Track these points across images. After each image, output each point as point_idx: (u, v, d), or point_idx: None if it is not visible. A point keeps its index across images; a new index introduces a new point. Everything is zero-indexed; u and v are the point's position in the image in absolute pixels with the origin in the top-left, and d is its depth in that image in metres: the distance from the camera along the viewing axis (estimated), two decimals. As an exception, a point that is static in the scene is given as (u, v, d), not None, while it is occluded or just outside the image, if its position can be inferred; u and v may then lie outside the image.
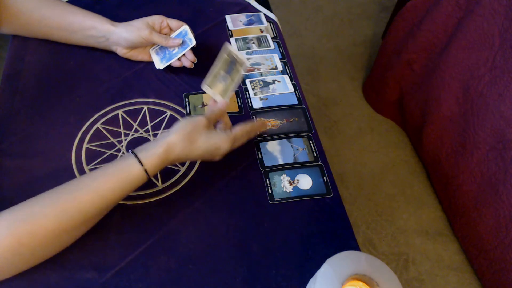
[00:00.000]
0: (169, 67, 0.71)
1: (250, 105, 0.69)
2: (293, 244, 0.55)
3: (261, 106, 0.69)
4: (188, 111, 0.67)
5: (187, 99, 0.69)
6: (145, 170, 0.49)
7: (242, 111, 0.69)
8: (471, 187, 1.10)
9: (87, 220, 0.48)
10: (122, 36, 0.67)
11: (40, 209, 0.45)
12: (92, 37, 0.69)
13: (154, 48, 0.72)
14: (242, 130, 0.56)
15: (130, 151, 0.50)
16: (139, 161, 0.49)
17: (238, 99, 0.70)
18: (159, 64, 0.71)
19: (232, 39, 0.79)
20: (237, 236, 0.55)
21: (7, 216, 0.43)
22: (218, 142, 0.53)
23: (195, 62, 0.70)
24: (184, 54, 0.69)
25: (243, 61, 0.57)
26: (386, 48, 1.38)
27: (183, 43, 0.68)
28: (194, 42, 0.68)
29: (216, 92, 0.57)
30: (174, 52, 0.69)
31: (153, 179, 0.59)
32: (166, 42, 0.68)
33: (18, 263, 0.45)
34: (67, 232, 0.46)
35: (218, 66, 0.57)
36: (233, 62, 0.57)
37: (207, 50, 0.77)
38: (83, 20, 0.68)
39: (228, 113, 0.67)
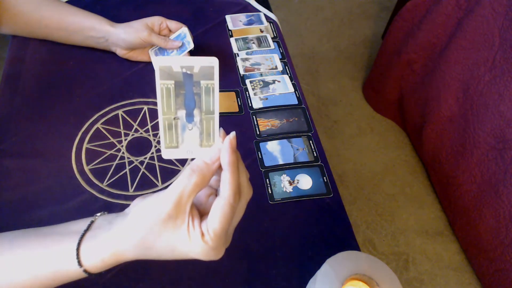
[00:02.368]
0: None
1: (250, 105, 0.69)
2: (293, 244, 0.55)
3: (261, 106, 0.69)
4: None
5: (187, 99, 0.69)
6: (85, 271, 0.36)
7: (242, 111, 0.69)
8: (471, 187, 1.10)
9: None
10: (120, 37, 0.67)
11: None
12: (92, 37, 0.69)
13: (153, 49, 0.72)
14: (223, 222, 0.35)
15: (79, 239, 0.36)
16: (79, 262, 0.36)
17: (238, 99, 0.70)
18: None
19: (232, 39, 0.79)
20: (237, 236, 0.55)
21: None
22: (184, 249, 0.35)
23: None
24: None
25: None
26: (386, 48, 1.38)
27: (181, 46, 0.69)
28: (192, 46, 0.68)
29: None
30: (172, 54, 0.69)
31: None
32: (166, 44, 0.68)
33: None
34: None
35: None
36: None
37: (207, 50, 0.77)
38: (82, 21, 0.68)
39: (228, 113, 0.68)
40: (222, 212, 0.34)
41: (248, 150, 0.63)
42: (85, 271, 0.36)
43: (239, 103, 0.70)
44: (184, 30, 0.69)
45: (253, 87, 0.72)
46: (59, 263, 0.36)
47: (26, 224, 0.48)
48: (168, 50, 0.70)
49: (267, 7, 0.88)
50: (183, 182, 0.33)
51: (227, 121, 0.67)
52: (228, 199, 0.34)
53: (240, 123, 0.67)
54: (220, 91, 0.71)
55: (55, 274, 0.37)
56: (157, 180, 0.59)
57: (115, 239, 0.36)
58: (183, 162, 0.61)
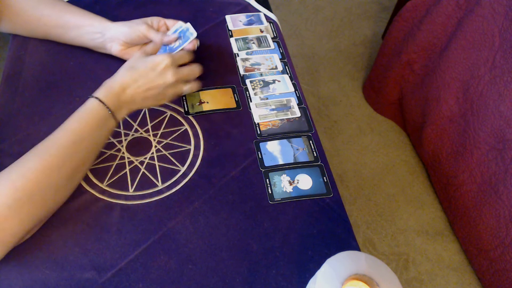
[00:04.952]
0: None
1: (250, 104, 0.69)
2: (293, 244, 0.55)
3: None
4: (186, 109, 0.67)
5: (184, 97, 0.69)
6: (97, 98, 0.55)
7: (240, 107, 0.69)
8: (471, 187, 1.10)
9: (67, 156, 0.51)
10: (120, 29, 0.67)
11: (25, 157, 0.50)
12: (87, 33, 0.68)
13: None
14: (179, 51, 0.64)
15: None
16: (92, 96, 0.56)
17: (235, 95, 0.70)
18: None
19: (232, 39, 0.79)
20: (237, 236, 0.55)
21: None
22: (155, 57, 0.59)
23: (198, 45, 0.68)
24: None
25: None
26: (386, 48, 1.38)
27: (183, 38, 0.68)
28: (195, 34, 0.66)
29: None
30: (174, 47, 0.69)
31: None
32: (162, 39, 0.67)
33: (20, 211, 0.47)
34: (54, 170, 0.50)
35: None
36: None
37: (207, 50, 0.77)
38: (80, 18, 0.68)
39: (226, 109, 0.68)
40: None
41: (248, 150, 0.63)
42: (101, 101, 0.55)
43: (236, 99, 0.70)
44: (180, 23, 0.68)
45: (253, 87, 0.72)
46: (82, 105, 0.55)
47: (26, 224, 0.48)
48: (169, 44, 0.70)
49: (267, 7, 0.88)
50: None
51: (227, 118, 0.67)
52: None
53: (240, 122, 0.67)
54: (216, 88, 0.71)
55: (80, 109, 0.55)
56: (157, 180, 0.59)
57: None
58: (183, 162, 0.61)
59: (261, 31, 0.81)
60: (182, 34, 0.69)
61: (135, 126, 0.65)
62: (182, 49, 0.67)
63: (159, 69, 0.58)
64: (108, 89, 0.56)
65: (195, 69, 0.64)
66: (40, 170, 0.48)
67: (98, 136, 0.56)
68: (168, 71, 0.59)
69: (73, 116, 0.54)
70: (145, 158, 0.62)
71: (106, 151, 0.62)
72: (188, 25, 0.69)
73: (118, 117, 0.57)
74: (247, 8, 0.86)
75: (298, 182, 0.60)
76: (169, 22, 0.70)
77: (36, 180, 0.48)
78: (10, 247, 0.47)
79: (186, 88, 0.63)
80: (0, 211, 0.45)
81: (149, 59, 0.59)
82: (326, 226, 0.57)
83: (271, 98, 0.70)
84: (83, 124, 0.53)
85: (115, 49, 0.69)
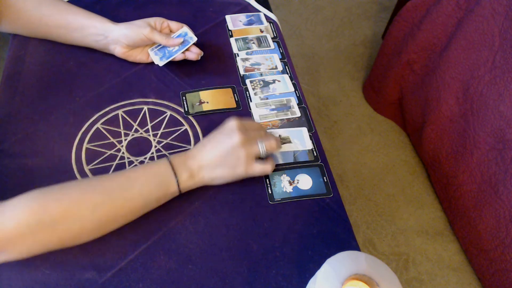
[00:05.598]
0: (169, 63, 0.71)
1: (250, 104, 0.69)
2: (293, 244, 0.55)
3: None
4: (186, 109, 0.67)
5: (184, 97, 0.69)
6: (177, 180, 0.53)
7: (240, 107, 0.69)
8: (471, 187, 1.10)
9: (109, 201, 0.48)
10: (122, 32, 0.67)
11: (71, 182, 0.49)
12: (90, 35, 0.68)
13: (153, 49, 0.72)
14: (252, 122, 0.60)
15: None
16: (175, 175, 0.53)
17: (235, 95, 0.70)
18: (159, 62, 0.71)
19: (232, 39, 0.79)
20: (237, 236, 0.55)
21: (36, 189, 0.47)
22: (223, 125, 0.57)
23: (202, 55, 0.71)
24: (188, 49, 0.70)
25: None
26: (386, 48, 1.38)
27: (183, 42, 0.69)
28: (195, 39, 0.69)
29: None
30: (174, 50, 0.70)
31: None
32: (167, 41, 0.68)
33: (37, 233, 0.44)
34: (89, 207, 0.47)
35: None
36: None
37: (207, 51, 0.77)
38: (82, 19, 0.68)
39: (226, 109, 0.68)
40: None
41: (248, 150, 0.63)
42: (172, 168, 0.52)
43: (236, 99, 0.70)
44: (184, 29, 0.70)
45: (253, 87, 0.72)
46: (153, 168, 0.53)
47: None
48: (169, 48, 0.70)
49: (267, 7, 0.88)
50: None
51: (227, 118, 0.67)
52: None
53: (240, 123, 0.67)
54: (216, 88, 0.71)
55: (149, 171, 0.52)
56: (157, 180, 0.59)
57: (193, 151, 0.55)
58: (183, 162, 0.61)
59: (261, 31, 0.81)
60: (183, 38, 0.70)
61: (135, 126, 0.65)
62: (183, 53, 0.69)
63: (226, 134, 0.55)
64: (190, 172, 0.54)
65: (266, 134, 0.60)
66: (73, 200, 0.46)
67: (152, 204, 0.53)
68: (233, 129, 0.56)
69: (143, 175, 0.51)
70: (145, 158, 0.62)
71: (106, 151, 0.62)
72: (187, 29, 0.70)
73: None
74: (247, 8, 0.86)
75: (298, 182, 0.60)
76: (173, 25, 0.70)
77: (65, 208, 0.45)
78: (10, 260, 0.46)
79: (259, 169, 0.56)
80: (18, 227, 0.43)
81: (219, 128, 0.57)
82: (326, 226, 0.57)
83: (271, 98, 0.70)
84: (147, 191, 0.51)
85: (118, 51, 0.70)
